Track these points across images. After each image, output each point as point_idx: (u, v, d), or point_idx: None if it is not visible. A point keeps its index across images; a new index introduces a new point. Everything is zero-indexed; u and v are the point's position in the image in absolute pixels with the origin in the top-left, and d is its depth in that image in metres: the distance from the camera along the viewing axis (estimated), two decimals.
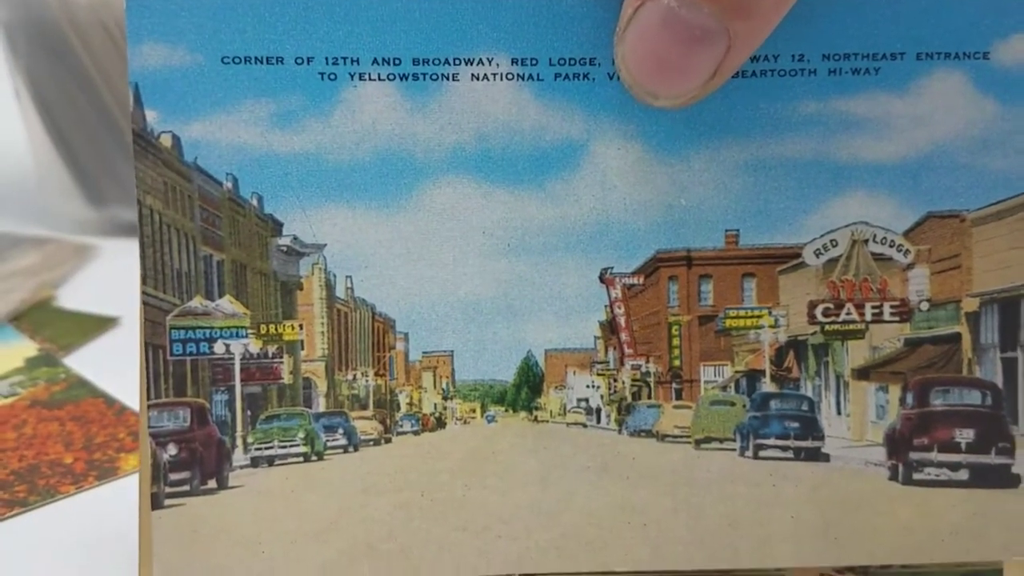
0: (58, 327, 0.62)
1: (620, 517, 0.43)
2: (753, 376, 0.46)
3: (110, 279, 0.71)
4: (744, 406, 0.46)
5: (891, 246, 0.43)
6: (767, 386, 0.46)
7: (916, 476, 0.44)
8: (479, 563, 0.43)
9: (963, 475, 0.44)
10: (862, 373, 0.46)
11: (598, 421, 0.47)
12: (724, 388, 0.46)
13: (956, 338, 0.44)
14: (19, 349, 0.58)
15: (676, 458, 0.44)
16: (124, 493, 0.45)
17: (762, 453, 0.46)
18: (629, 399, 0.46)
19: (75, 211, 0.80)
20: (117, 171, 0.78)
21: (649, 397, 0.46)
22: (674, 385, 0.46)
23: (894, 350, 0.45)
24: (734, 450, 0.46)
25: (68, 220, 0.80)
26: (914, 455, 0.44)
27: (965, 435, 0.44)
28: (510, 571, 0.44)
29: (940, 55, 0.42)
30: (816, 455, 0.45)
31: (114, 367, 0.56)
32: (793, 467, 0.45)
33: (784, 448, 0.46)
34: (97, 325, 0.62)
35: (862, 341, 0.45)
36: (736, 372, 0.46)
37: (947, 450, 0.44)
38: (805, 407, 0.46)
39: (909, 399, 0.45)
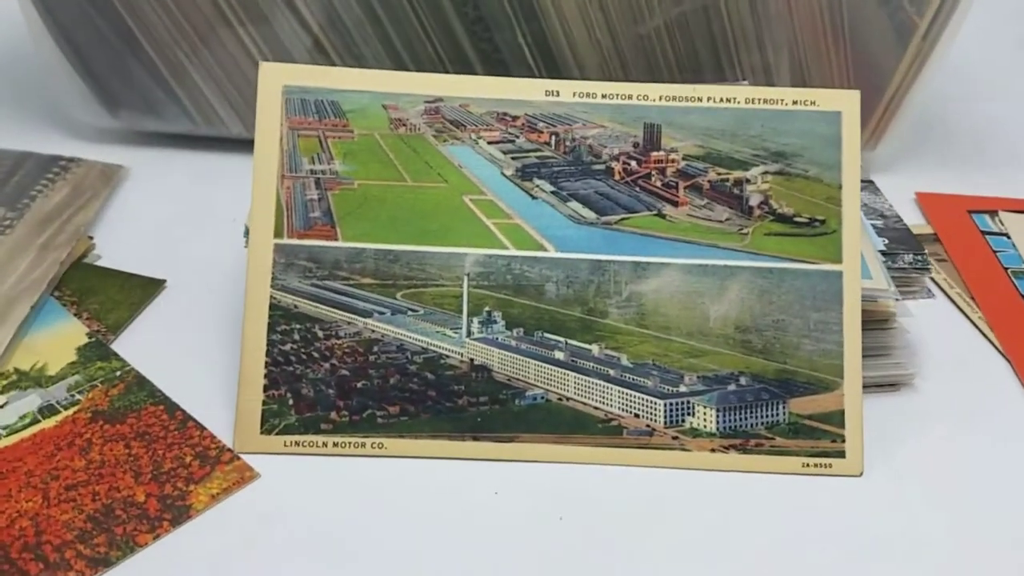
0: (102, 295, 0.47)
1: None
2: None
3: (143, 213, 0.58)
4: None
5: None
6: None
7: None
8: None
9: None
10: None
11: None
12: None
13: None
14: (69, 335, 0.43)
15: None
16: (199, 542, 0.35)
17: None
18: None
19: (92, 118, 0.73)
20: (130, 76, 0.71)
21: None
22: None
23: None
24: None
25: (88, 128, 0.74)
26: None
27: None
28: None
29: None
30: None
31: (163, 354, 0.44)
32: None
33: None
34: (143, 292, 0.47)
35: None
36: None
37: None
38: None
39: None
